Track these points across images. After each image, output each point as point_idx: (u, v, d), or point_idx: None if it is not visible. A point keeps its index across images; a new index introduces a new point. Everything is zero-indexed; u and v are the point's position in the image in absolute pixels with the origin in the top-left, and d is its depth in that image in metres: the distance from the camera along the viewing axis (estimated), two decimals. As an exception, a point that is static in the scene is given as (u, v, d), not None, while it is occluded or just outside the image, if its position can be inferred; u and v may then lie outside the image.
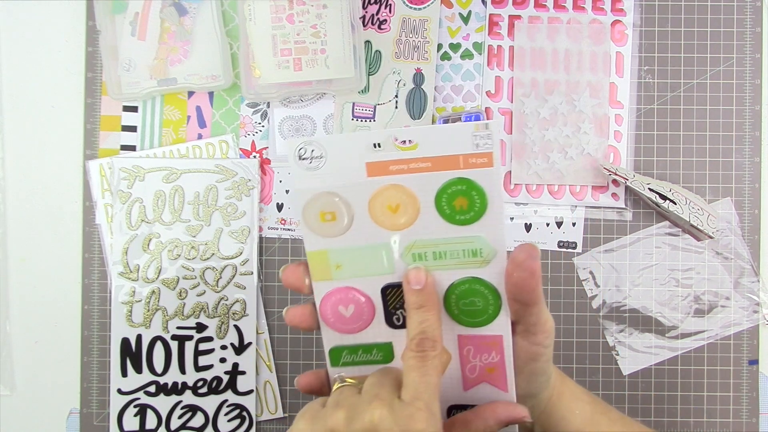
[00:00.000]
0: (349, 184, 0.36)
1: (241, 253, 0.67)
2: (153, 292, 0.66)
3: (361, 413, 0.33)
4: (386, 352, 0.39)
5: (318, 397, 0.37)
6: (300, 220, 0.37)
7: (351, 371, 0.39)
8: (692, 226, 0.64)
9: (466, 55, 0.68)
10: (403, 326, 0.38)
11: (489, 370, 0.38)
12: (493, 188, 0.35)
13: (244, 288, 0.67)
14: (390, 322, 0.38)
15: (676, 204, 0.64)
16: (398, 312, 0.38)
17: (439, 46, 0.68)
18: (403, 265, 0.37)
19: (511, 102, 0.68)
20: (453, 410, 0.39)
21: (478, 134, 0.35)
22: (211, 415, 0.67)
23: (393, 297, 0.38)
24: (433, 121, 0.67)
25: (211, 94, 0.69)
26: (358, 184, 0.36)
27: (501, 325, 0.37)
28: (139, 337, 0.66)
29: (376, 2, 0.68)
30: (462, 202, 0.36)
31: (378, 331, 0.38)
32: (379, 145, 0.36)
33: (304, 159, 0.36)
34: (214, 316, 0.67)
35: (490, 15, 0.68)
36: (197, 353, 0.67)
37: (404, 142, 0.36)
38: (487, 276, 0.37)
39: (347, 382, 0.38)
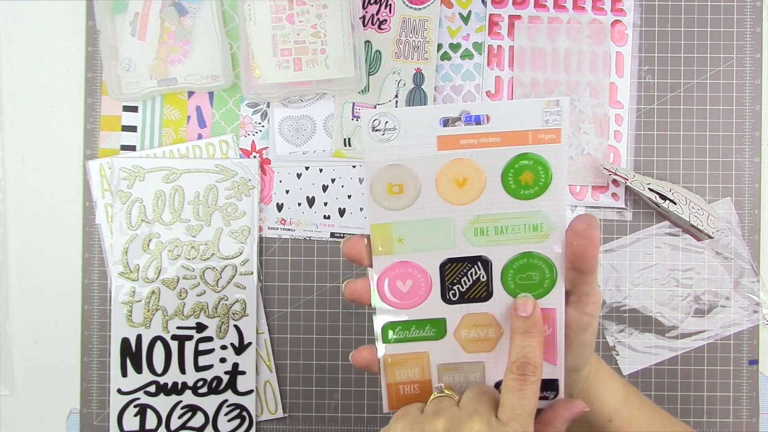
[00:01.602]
0: (419, 157, 0.37)
1: (241, 253, 0.67)
2: (153, 292, 0.66)
3: (460, 425, 0.34)
4: (439, 327, 0.39)
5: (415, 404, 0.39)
6: (366, 191, 0.38)
7: (402, 348, 0.39)
8: (692, 226, 0.64)
9: (466, 55, 0.68)
10: (458, 302, 0.39)
11: None
12: (559, 164, 0.36)
13: (244, 288, 0.67)
14: (445, 298, 0.39)
15: (676, 204, 0.64)
16: (455, 287, 0.39)
17: (439, 46, 0.68)
18: (464, 239, 0.38)
19: (511, 102, 0.68)
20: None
21: (548, 110, 0.36)
22: (211, 415, 0.67)
23: (451, 272, 0.38)
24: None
25: (211, 94, 0.69)
26: (428, 158, 0.37)
27: (555, 299, 0.38)
28: (139, 337, 0.66)
29: (376, 2, 0.68)
30: (528, 177, 0.37)
31: (433, 307, 0.39)
32: (450, 122, 0.37)
33: (377, 130, 0.37)
34: (214, 316, 0.67)
35: (490, 15, 0.68)
36: (197, 353, 0.67)
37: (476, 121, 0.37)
38: (545, 250, 0.38)
39: (446, 393, 0.39)
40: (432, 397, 0.39)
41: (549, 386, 0.39)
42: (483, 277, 0.38)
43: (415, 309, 0.39)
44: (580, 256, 0.37)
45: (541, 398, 0.39)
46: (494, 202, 0.37)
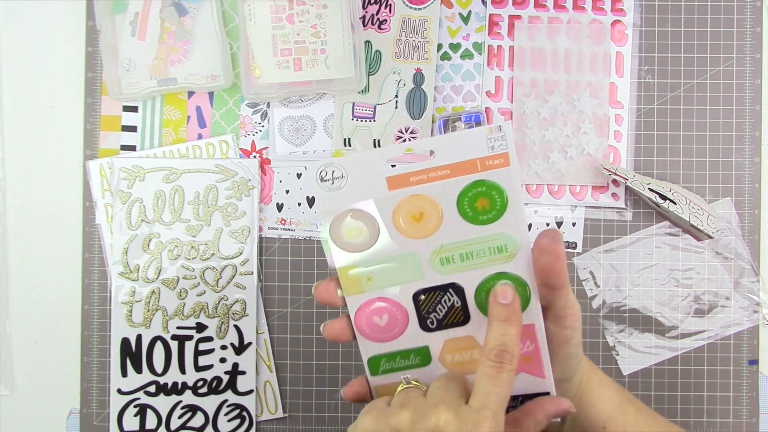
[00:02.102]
0: (371, 200, 0.37)
1: (241, 253, 0.67)
2: (153, 292, 0.66)
3: (426, 415, 0.34)
4: (423, 355, 0.40)
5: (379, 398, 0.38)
6: (327, 239, 0.38)
7: (391, 378, 0.40)
8: (692, 226, 0.64)
9: (466, 55, 0.68)
10: (437, 329, 0.39)
11: (525, 360, 0.39)
12: (512, 186, 0.37)
13: (244, 288, 0.67)
14: (424, 326, 0.39)
15: (676, 204, 0.64)
16: (431, 316, 0.39)
17: (439, 46, 0.68)
18: (432, 270, 0.38)
19: (511, 102, 0.68)
20: None
21: (492, 137, 0.36)
22: (211, 415, 0.67)
23: (425, 302, 0.39)
24: (433, 121, 0.67)
25: (211, 94, 0.69)
26: (381, 199, 0.37)
27: (532, 314, 0.38)
28: (139, 337, 0.66)
29: (376, 2, 0.68)
30: (483, 203, 0.37)
31: (413, 337, 0.39)
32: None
33: (325, 181, 0.37)
34: (214, 316, 0.67)
35: (490, 15, 0.68)
36: (197, 353, 0.67)
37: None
38: (514, 269, 0.38)
39: (413, 384, 0.39)
40: (399, 389, 0.38)
41: None
42: (457, 302, 0.39)
43: (397, 340, 0.39)
44: (548, 271, 0.37)
45: None
46: (454, 231, 0.38)
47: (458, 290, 0.38)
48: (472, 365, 0.39)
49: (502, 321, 0.36)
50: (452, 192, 0.37)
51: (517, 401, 0.40)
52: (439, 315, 0.39)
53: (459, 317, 0.39)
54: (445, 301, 0.39)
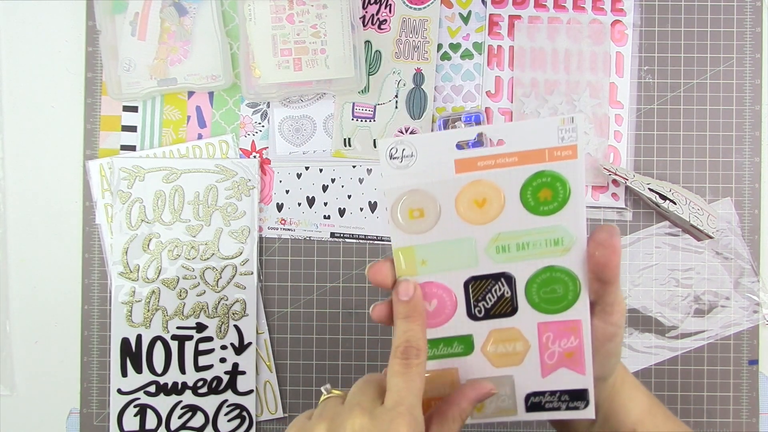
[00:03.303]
0: (437, 181, 0.38)
1: (241, 253, 0.67)
2: (153, 292, 0.66)
3: (341, 423, 0.34)
4: (467, 344, 0.40)
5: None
6: (388, 217, 0.38)
7: (432, 365, 0.40)
8: (692, 226, 0.64)
9: (466, 55, 0.68)
10: (484, 318, 0.39)
11: (567, 355, 0.39)
12: (577, 179, 0.37)
13: (244, 288, 0.67)
14: (471, 315, 0.39)
15: (676, 204, 0.64)
16: (480, 304, 0.39)
17: (439, 46, 0.68)
18: (486, 257, 0.38)
19: (511, 102, 0.68)
20: (531, 397, 0.40)
21: (563, 128, 0.36)
22: (211, 415, 0.67)
23: (476, 289, 0.39)
24: (433, 121, 0.67)
25: (211, 94, 0.69)
26: (447, 181, 0.37)
27: (580, 310, 0.38)
28: (139, 337, 0.66)
29: (376, 2, 0.68)
30: (546, 194, 0.37)
31: (459, 324, 0.39)
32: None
33: (394, 158, 0.37)
34: (214, 316, 0.67)
35: (490, 15, 0.68)
36: (197, 353, 0.67)
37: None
38: (567, 263, 0.38)
39: (333, 393, 0.39)
40: (321, 399, 0.39)
41: (578, 396, 0.40)
42: (507, 293, 0.39)
43: (442, 327, 0.40)
44: (602, 265, 0.37)
45: (571, 408, 0.40)
46: (514, 220, 0.38)
47: (509, 280, 0.39)
48: (514, 358, 0.40)
49: (405, 318, 0.37)
50: (517, 180, 0.37)
51: (554, 396, 0.40)
52: (487, 304, 0.39)
53: (507, 308, 0.39)
54: (495, 290, 0.39)
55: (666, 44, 0.68)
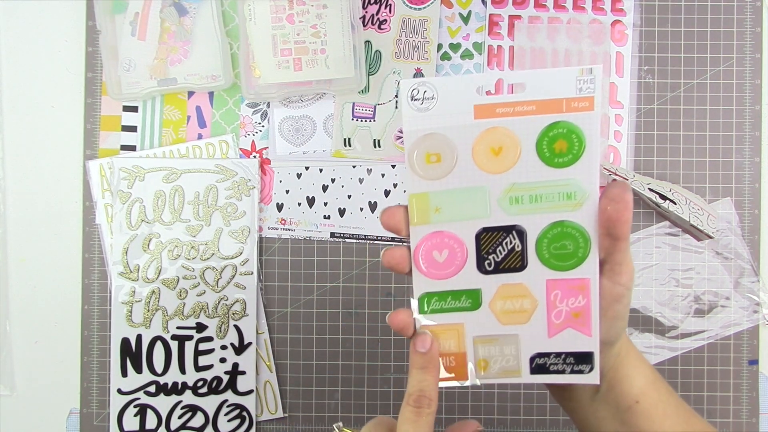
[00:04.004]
0: (456, 126, 0.38)
1: (241, 253, 0.67)
2: (153, 292, 0.66)
3: None
4: (475, 298, 0.40)
5: None
6: (405, 162, 0.38)
7: (438, 318, 0.40)
8: (692, 226, 0.64)
9: (466, 55, 0.68)
10: (493, 272, 0.39)
11: (575, 315, 0.39)
12: (592, 132, 0.37)
13: (244, 288, 0.67)
14: (481, 268, 0.39)
15: (676, 204, 0.64)
16: (490, 257, 0.39)
17: (439, 46, 0.68)
18: (499, 209, 0.38)
19: (511, 102, 0.68)
20: (536, 358, 0.40)
21: (582, 78, 0.37)
22: (211, 415, 0.67)
23: (486, 241, 0.39)
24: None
25: (211, 94, 0.69)
26: (465, 126, 0.38)
27: (589, 269, 0.38)
28: (139, 337, 0.66)
29: (376, 2, 0.68)
30: (562, 145, 0.37)
31: (468, 278, 0.39)
32: (486, 91, 0.38)
33: (416, 100, 0.38)
34: (214, 316, 0.67)
35: (490, 15, 0.68)
36: (197, 353, 0.67)
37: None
38: (579, 219, 0.38)
39: (345, 431, 0.40)
40: None
41: (584, 359, 0.39)
42: (518, 246, 0.39)
43: (451, 279, 0.39)
44: (615, 220, 0.37)
45: (576, 372, 0.39)
46: (529, 171, 0.38)
47: (521, 233, 0.39)
48: (521, 315, 0.39)
49: (420, 368, 0.38)
50: (534, 129, 0.37)
51: (560, 358, 0.40)
52: (497, 257, 0.39)
53: (517, 262, 0.39)
54: (506, 243, 0.39)
55: (666, 44, 0.68)
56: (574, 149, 0.37)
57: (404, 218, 0.39)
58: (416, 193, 0.39)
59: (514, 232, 0.39)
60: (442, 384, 0.40)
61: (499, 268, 0.39)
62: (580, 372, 0.39)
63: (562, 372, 0.40)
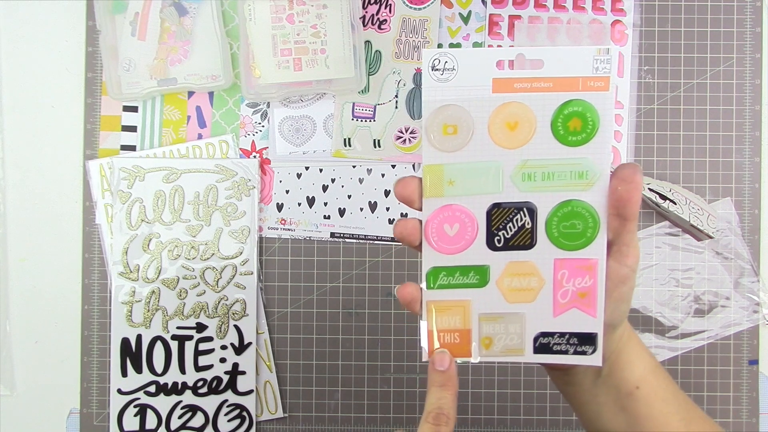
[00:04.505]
0: (474, 98, 0.38)
1: (241, 253, 0.67)
2: (153, 292, 0.66)
3: None
4: (482, 275, 0.40)
5: None
6: (422, 132, 0.39)
7: (445, 294, 0.40)
8: (692, 226, 0.64)
9: (466, 55, 0.68)
10: (502, 248, 0.39)
11: (581, 295, 0.39)
12: (606, 112, 0.37)
13: (244, 288, 0.67)
14: (491, 244, 0.39)
15: (676, 204, 0.64)
16: (500, 233, 0.39)
17: (439, 46, 0.68)
18: (512, 184, 0.39)
19: (511, 102, 0.68)
20: (540, 338, 0.40)
21: (599, 58, 0.37)
22: (211, 415, 0.67)
23: (497, 217, 0.39)
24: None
25: (211, 94, 0.69)
26: (483, 99, 0.38)
27: (597, 249, 0.39)
28: (139, 337, 0.66)
29: (376, 2, 0.68)
30: (576, 124, 0.38)
31: (477, 253, 0.40)
32: (505, 66, 0.38)
33: (436, 70, 0.38)
34: (214, 316, 0.67)
35: (490, 15, 0.68)
36: (197, 353, 0.67)
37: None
38: (589, 198, 0.38)
39: None
40: None
41: (587, 340, 0.39)
42: (528, 224, 0.39)
43: (461, 254, 0.40)
44: (625, 200, 0.37)
45: (579, 353, 0.39)
46: (543, 148, 0.38)
47: (531, 211, 0.39)
48: (528, 294, 0.40)
49: (439, 386, 0.39)
50: (550, 106, 0.38)
51: (563, 338, 0.40)
52: (507, 234, 0.39)
53: (527, 240, 0.39)
54: (517, 220, 0.39)
55: (666, 44, 0.68)
56: (588, 128, 0.38)
57: (417, 189, 0.39)
58: (431, 164, 0.39)
59: (525, 209, 0.39)
60: None
61: (508, 245, 0.39)
62: (583, 353, 0.39)
63: (565, 353, 0.40)
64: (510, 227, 0.39)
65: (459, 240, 0.39)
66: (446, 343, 0.40)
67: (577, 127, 0.38)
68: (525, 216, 0.39)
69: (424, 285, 0.40)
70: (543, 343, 0.40)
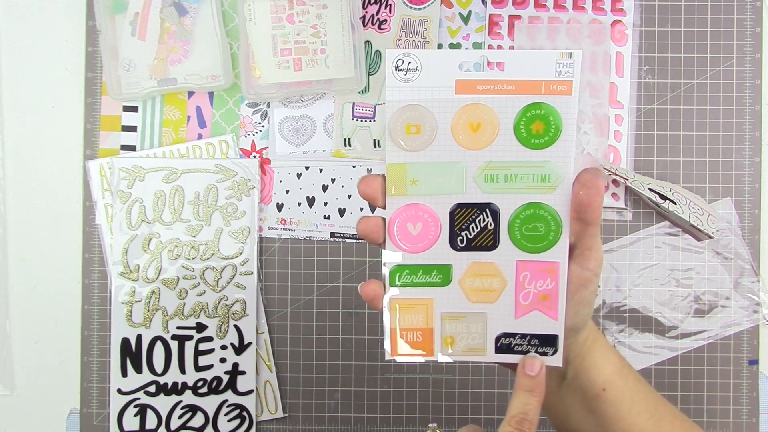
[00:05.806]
0: (437, 99, 0.38)
1: (241, 253, 0.67)
2: (153, 292, 0.66)
3: None
4: (445, 274, 0.40)
5: None
6: (385, 131, 0.39)
7: (407, 292, 0.40)
8: (692, 226, 0.64)
9: (466, 55, 0.68)
10: (465, 249, 0.39)
11: (542, 298, 0.39)
12: (569, 116, 0.38)
13: (244, 288, 0.67)
14: (453, 244, 0.40)
15: (676, 204, 0.64)
16: (462, 234, 0.40)
17: (439, 46, 0.68)
18: (475, 185, 0.39)
19: (511, 102, 0.68)
20: (502, 338, 0.40)
21: (561, 62, 0.37)
22: (211, 415, 0.67)
23: (460, 218, 0.39)
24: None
25: (211, 94, 0.69)
26: (446, 100, 0.38)
27: (559, 252, 0.39)
28: (139, 337, 0.66)
29: (376, 2, 0.68)
30: (539, 127, 0.38)
31: (440, 253, 0.40)
32: (467, 68, 0.38)
33: (400, 70, 0.38)
34: (214, 316, 0.67)
35: (490, 15, 0.68)
36: (197, 353, 0.67)
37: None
38: (552, 202, 0.39)
39: None
40: None
41: (549, 342, 0.40)
42: (490, 225, 0.39)
43: (424, 254, 0.40)
44: (586, 205, 0.37)
45: (540, 354, 0.40)
46: (505, 150, 0.38)
47: (494, 212, 0.39)
48: (490, 295, 0.40)
49: (527, 391, 0.38)
50: (512, 109, 0.38)
51: (525, 339, 0.40)
52: (470, 234, 0.39)
53: (489, 241, 0.39)
54: (479, 220, 0.39)
55: (666, 44, 0.68)
56: (551, 131, 0.38)
57: (381, 187, 0.39)
58: (394, 163, 0.39)
59: (487, 210, 0.39)
60: (405, 359, 0.41)
61: (471, 246, 0.40)
62: (544, 354, 0.40)
63: (526, 353, 0.40)
64: (473, 228, 0.39)
65: (422, 239, 0.40)
66: (409, 341, 0.41)
67: (539, 130, 0.38)
68: (488, 217, 0.39)
69: (387, 282, 0.40)
70: (504, 344, 0.40)
